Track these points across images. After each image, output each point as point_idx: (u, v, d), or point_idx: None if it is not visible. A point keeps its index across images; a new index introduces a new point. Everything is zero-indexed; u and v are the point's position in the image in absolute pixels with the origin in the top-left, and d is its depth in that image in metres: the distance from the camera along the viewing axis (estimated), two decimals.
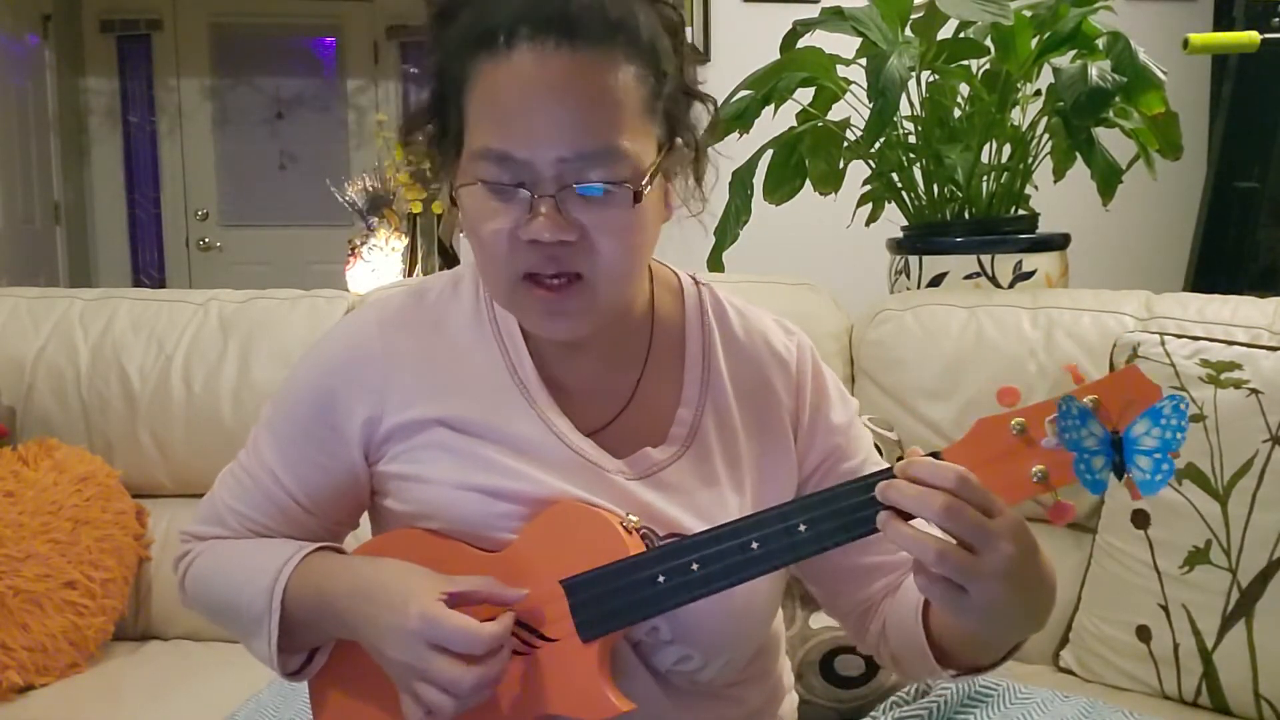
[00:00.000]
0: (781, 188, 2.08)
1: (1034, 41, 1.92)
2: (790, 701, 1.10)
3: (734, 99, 2.04)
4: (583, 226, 0.86)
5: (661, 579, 0.84)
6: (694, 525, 0.91)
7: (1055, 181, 2.05)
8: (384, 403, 0.96)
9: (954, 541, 0.75)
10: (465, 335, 0.99)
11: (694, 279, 1.05)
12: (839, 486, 0.81)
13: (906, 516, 0.77)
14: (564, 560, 0.88)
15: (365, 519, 1.07)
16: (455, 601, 0.87)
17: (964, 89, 2.03)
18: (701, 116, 0.96)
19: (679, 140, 0.93)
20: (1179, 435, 0.72)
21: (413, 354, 0.98)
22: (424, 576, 0.89)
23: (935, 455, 0.78)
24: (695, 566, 0.83)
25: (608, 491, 0.93)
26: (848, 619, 1.04)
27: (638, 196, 0.86)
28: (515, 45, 0.85)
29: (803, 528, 0.80)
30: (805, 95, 2.07)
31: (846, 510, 0.79)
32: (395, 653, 0.87)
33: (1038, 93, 2.01)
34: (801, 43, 2.08)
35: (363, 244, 3.18)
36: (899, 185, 2.06)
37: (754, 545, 0.82)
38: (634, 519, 0.90)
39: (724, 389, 1.00)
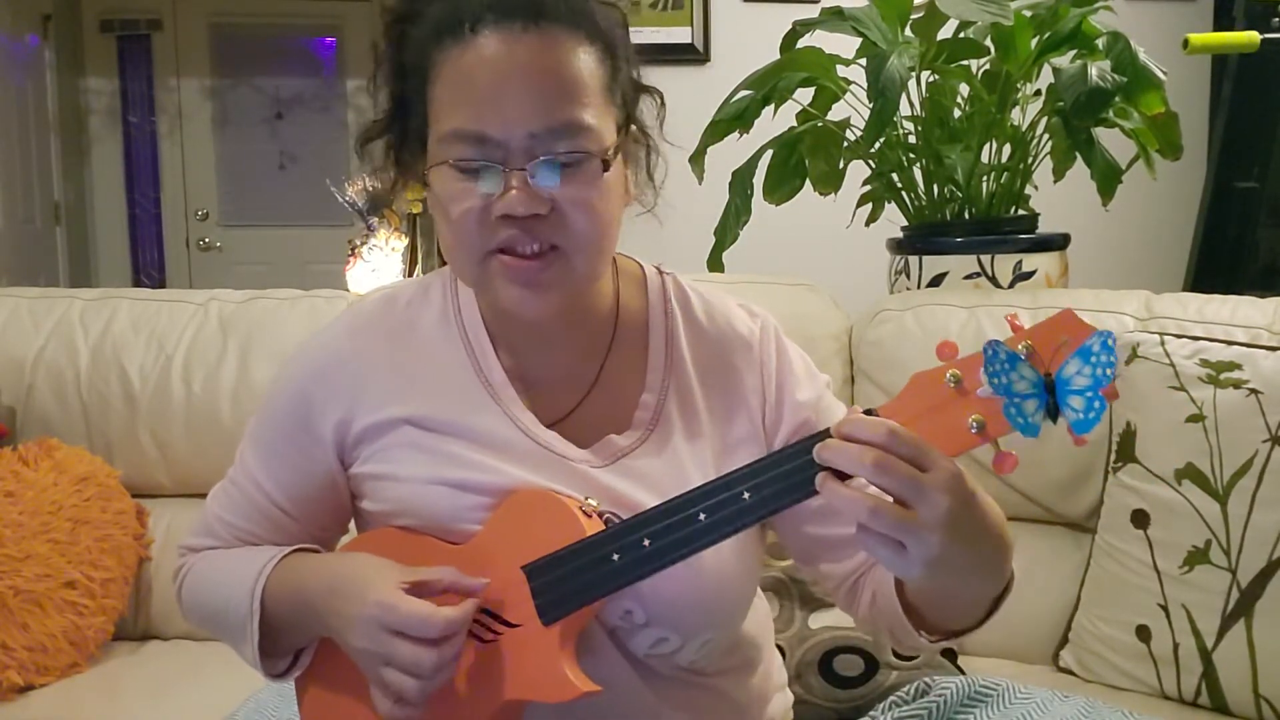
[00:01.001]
0: (781, 188, 2.08)
1: (1034, 41, 1.92)
2: (783, 700, 1.10)
3: (734, 99, 2.04)
4: (553, 199, 0.88)
5: (615, 556, 0.85)
6: None
7: (1055, 181, 2.04)
8: (355, 405, 0.99)
9: (889, 498, 0.75)
10: (433, 337, 1.01)
11: (658, 269, 1.07)
12: (781, 450, 0.81)
13: (846, 476, 0.76)
14: (526, 546, 0.90)
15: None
16: (417, 590, 0.88)
17: (964, 89, 2.03)
18: (649, 113, 1.00)
19: (634, 128, 0.96)
20: (1109, 371, 0.71)
21: (382, 357, 1.00)
22: (387, 568, 0.92)
23: (870, 412, 0.78)
24: (647, 542, 0.84)
25: (573, 480, 0.95)
26: (838, 594, 1.04)
27: (606, 165, 0.89)
28: (481, 30, 0.88)
29: (747, 495, 0.81)
30: (805, 95, 2.07)
31: (788, 474, 0.80)
32: (358, 641, 0.89)
33: (1038, 93, 2.01)
34: (801, 43, 2.08)
35: (363, 244, 3.17)
36: (899, 185, 2.06)
37: (701, 516, 0.82)
38: (593, 502, 0.92)
39: (687, 372, 1.01)
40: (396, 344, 1.01)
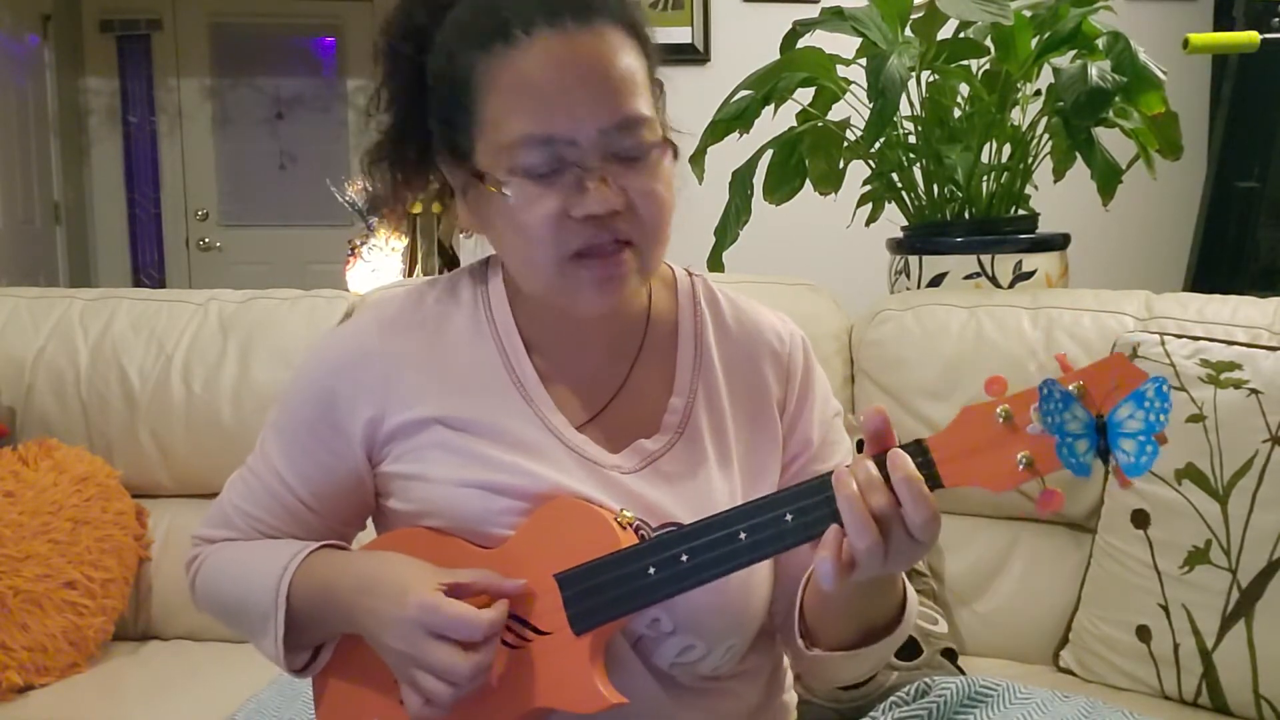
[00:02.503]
0: (781, 188, 2.08)
1: (1034, 41, 1.92)
2: (789, 700, 1.10)
3: (734, 99, 2.04)
4: (625, 193, 0.88)
5: (652, 570, 0.85)
6: (686, 515, 0.92)
7: (1055, 181, 2.04)
8: (386, 403, 0.97)
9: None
10: (463, 335, 1.00)
11: (688, 271, 1.07)
12: (826, 475, 0.81)
13: None
14: (559, 555, 0.89)
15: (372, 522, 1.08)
16: (454, 592, 0.88)
17: (964, 89, 2.03)
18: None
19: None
20: (1162, 417, 0.72)
21: (412, 355, 0.99)
22: (423, 569, 0.91)
23: (920, 443, 0.79)
24: (685, 558, 0.84)
25: (604, 486, 0.94)
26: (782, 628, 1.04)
27: (675, 153, 0.91)
28: (535, 32, 0.87)
29: (789, 517, 0.81)
30: (805, 95, 2.07)
31: (832, 499, 0.80)
32: (395, 642, 0.88)
33: (1038, 93, 2.01)
34: (801, 43, 2.08)
35: (363, 244, 3.17)
36: (899, 185, 2.06)
37: (742, 535, 0.83)
38: (628, 514, 0.92)
39: (715, 376, 1.01)
40: (426, 342, 0.99)
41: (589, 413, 0.98)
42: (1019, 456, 0.75)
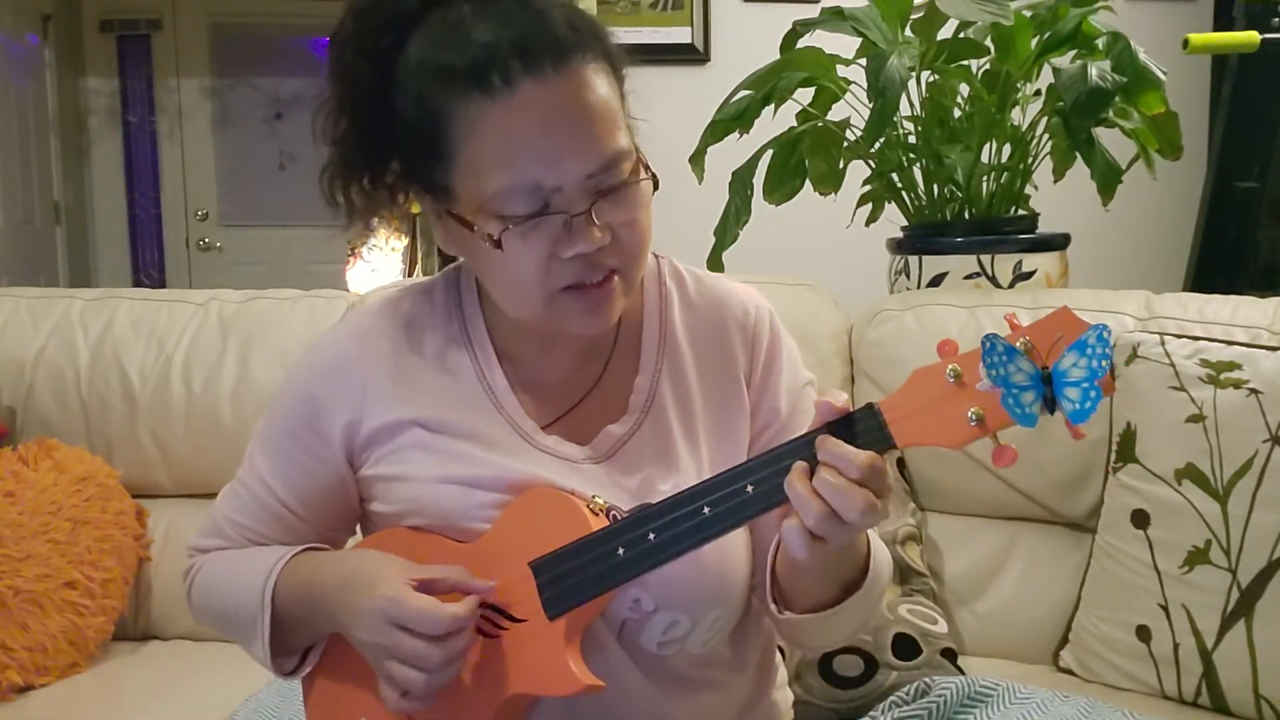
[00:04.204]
0: (781, 188, 2.08)
1: (1034, 41, 1.92)
2: (784, 699, 1.11)
3: (734, 99, 2.04)
4: (610, 226, 0.89)
5: (621, 551, 0.87)
6: (657, 495, 0.93)
7: (1055, 181, 2.05)
8: (362, 407, 0.99)
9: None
10: (437, 341, 1.02)
11: (655, 255, 1.07)
12: (782, 446, 0.83)
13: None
14: (534, 544, 0.91)
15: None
16: (424, 588, 0.90)
17: (964, 89, 2.03)
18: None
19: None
20: (1104, 363, 0.74)
21: (388, 360, 1.00)
22: (396, 564, 0.93)
23: (871, 406, 0.81)
24: (652, 536, 0.86)
25: (576, 480, 0.96)
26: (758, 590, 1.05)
27: (656, 184, 0.91)
28: (515, 81, 0.86)
29: (750, 488, 0.83)
30: (805, 95, 2.07)
31: (789, 469, 0.82)
32: (365, 634, 0.90)
33: (1038, 93, 2.01)
34: (801, 43, 2.08)
35: (362, 244, 3.18)
36: (899, 185, 2.06)
37: (705, 509, 0.84)
38: (600, 500, 0.93)
39: (680, 351, 1.02)
40: (400, 346, 1.01)
41: (562, 409, 1.00)
42: (969, 413, 0.77)
